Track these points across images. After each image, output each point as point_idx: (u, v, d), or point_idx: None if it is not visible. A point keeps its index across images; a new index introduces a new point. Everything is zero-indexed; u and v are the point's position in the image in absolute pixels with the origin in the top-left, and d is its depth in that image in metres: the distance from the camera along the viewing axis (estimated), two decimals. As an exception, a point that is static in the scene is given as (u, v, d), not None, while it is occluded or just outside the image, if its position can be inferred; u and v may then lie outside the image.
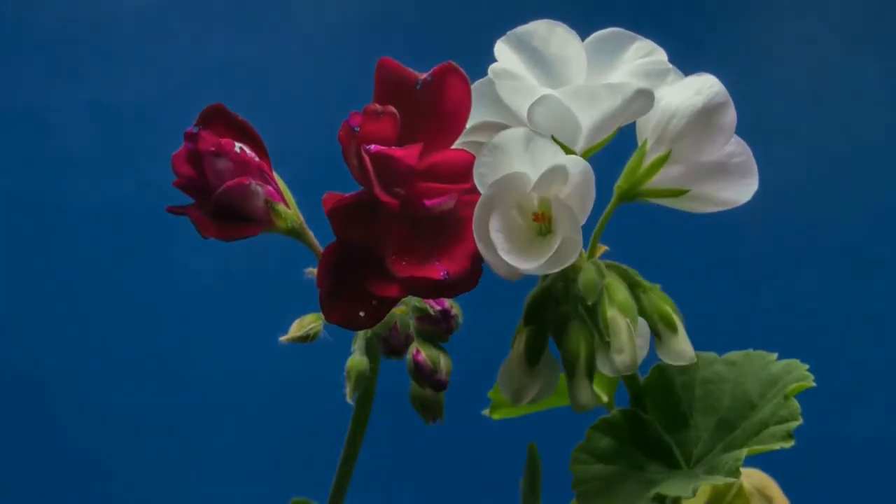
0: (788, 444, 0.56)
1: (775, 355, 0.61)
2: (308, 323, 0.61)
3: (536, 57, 0.55)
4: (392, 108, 0.55)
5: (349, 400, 0.62)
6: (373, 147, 0.54)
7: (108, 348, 1.35)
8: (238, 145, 0.58)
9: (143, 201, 1.25)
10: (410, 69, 0.57)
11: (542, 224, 0.53)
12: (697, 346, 0.64)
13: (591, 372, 0.56)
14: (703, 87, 0.55)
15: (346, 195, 0.55)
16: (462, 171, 0.55)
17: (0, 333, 1.36)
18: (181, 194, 0.58)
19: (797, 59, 1.35)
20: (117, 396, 1.34)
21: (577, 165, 0.52)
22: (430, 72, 0.57)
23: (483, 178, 0.53)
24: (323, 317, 0.60)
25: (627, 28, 0.57)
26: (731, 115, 0.56)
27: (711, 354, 0.63)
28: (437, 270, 0.54)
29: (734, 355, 0.63)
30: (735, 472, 0.55)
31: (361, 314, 0.55)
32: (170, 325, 1.35)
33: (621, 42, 0.56)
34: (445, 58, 0.57)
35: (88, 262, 1.36)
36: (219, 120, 0.58)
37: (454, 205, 0.55)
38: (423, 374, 0.61)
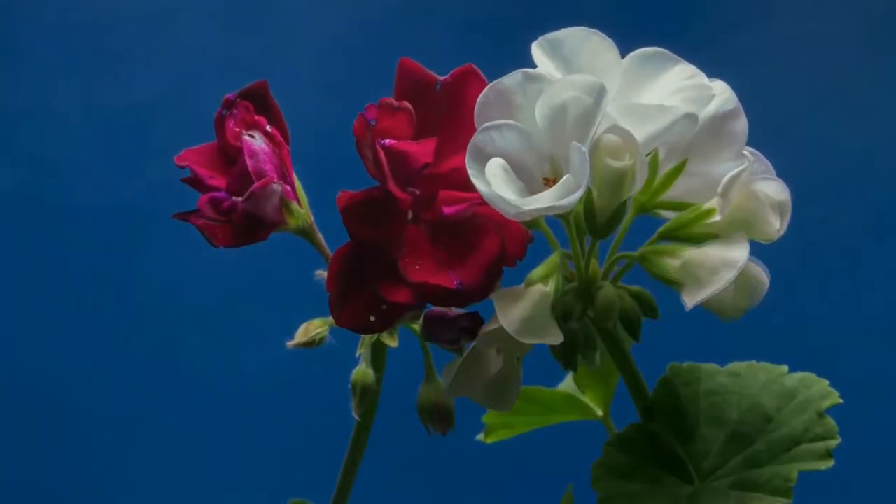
0: (829, 464, 0.56)
1: (785, 368, 0.61)
2: (314, 328, 0.60)
3: (567, 65, 0.54)
4: (407, 104, 0.55)
5: (355, 415, 0.62)
6: (387, 141, 0.54)
7: (110, 349, 1.35)
8: (268, 126, 0.58)
9: (146, 201, 1.26)
10: (430, 71, 0.57)
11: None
12: (699, 353, 0.64)
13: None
14: (717, 90, 0.55)
15: (360, 192, 0.54)
16: None
17: (3, 334, 1.35)
18: (180, 196, 0.58)
19: (799, 60, 1.36)
20: (120, 397, 1.34)
21: (573, 98, 0.51)
22: (449, 74, 0.57)
23: (486, 121, 0.52)
24: (330, 321, 0.61)
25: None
26: (742, 123, 0.55)
27: (713, 366, 0.63)
28: (451, 279, 0.53)
29: (737, 366, 0.62)
30: (787, 493, 0.55)
31: (372, 318, 0.54)
32: (172, 326, 1.35)
33: (663, 63, 0.55)
34: (454, 60, 0.57)
35: (91, 263, 1.36)
36: (254, 101, 0.58)
37: (472, 214, 0.55)
38: (435, 318, 0.59)
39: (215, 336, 1.35)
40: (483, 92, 0.53)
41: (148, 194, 1.27)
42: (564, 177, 0.50)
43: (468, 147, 0.52)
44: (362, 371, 0.61)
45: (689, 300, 0.52)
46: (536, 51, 0.55)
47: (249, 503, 1.28)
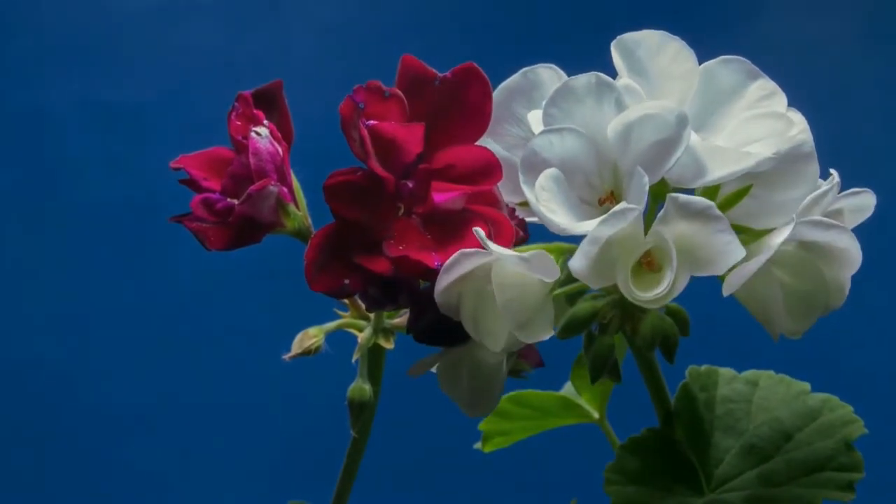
0: (850, 497, 0.55)
1: (807, 386, 0.60)
2: (310, 338, 0.61)
3: (639, 67, 0.53)
4: (399, 92, 0.55)
5: (354, 433, 0.61)
6: (371, 122, 0.54)
7: (107, 348, 1.35)
8: (266, 121, 0.57)
9: (147, 201, 1.26)
10: (431, 68, 0.57)
11: (609, 204, 0.51)
12: (698, 348, 0.62)
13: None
14: (795, 128, 0.53)
15: (343, 171, 0.54)
16: (479, 170, 0.55)
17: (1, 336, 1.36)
18: (181, 195, 0.57)
19: (799, 58, 1.36)
20: (117, 397, 1.34)
21: (655, 124, 0.50)
22: (450, 71, 0.56)
23: (552, 119, 0.51)
24: (325, 328, 0.61)
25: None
26: (814, 168, 0.53)
27: (730, 371, 0.62)
28: (432, 259, 0.53)
29: (755, 375, 0.62)
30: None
31: (346, 282, 0.54)
32: (172, 326, 1.36)
33: (746, 76, 0.54)
34: (456, 58, 0.57)
35: (89, 262, 1.37)
36: (265, 99, 0.58)
37: (464, 207, 0.54)
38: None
39: (215, 336, 1.35)
40: (555, 88, 0.52)
41: (148, 193, 1.27)
42: (619, 206, 0.49)
43: (524, 150, 0.51)
44: (359, 387, 0.61)
45: (727, 288, 0.51)
46: (613, 50, 0.54)
47: (250, 502, 1.29)
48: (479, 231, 0.51)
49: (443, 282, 0.52)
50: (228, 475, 1.34)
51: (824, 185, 0.53)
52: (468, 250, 0.51)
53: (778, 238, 0.50)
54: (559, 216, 0.50)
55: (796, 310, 0.52)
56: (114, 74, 1.38)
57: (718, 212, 0.49)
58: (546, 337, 0.53)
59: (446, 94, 0.56)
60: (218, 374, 1.35)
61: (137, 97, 1.37)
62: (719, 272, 0.50)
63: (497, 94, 0.56)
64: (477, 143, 0.56)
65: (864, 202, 0.55)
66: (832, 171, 0.54)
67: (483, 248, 0.51)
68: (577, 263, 0.49)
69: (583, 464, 0.62)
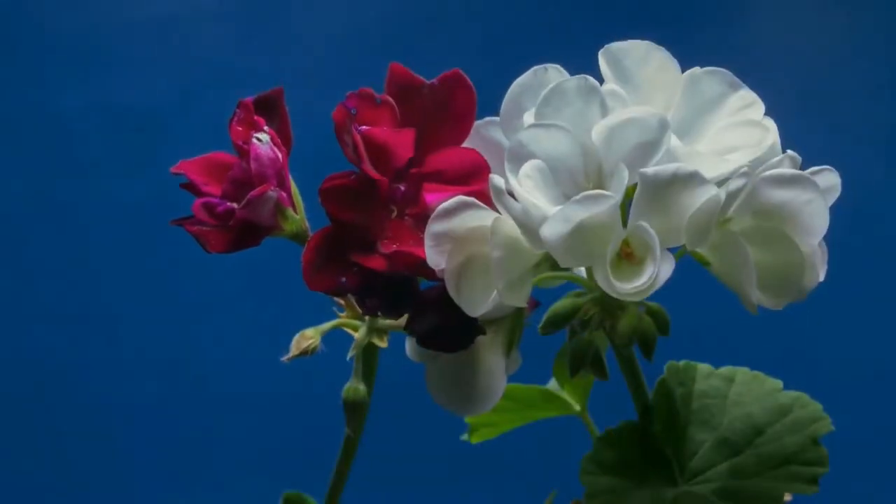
0: (814, 490, 0.57)
1: (780, 383, 0.62)
2: (307, 339, 0.62)
3: (626, 75, 0.55)
4: (390, 99, 0.57)
5: (349, 432, 0.63)
6: (364, 127, 0.55)
7: (115, 347, 1.37)
8: (266, 127, 0.58)
9: (156, 203, 1.27)
10: (418, 76, 0.58)
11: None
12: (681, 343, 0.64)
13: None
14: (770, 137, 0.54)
15: (338, 174, 0.56)
16: (469, 171, 0.57)
17: (13, 334, 1.38)
18: (189, 198, 0.58)
19: (794, 56, 1.37)
20: (123, 391, 1.37)
21: (640, 124, 0.51)
22: (436, 78, 0.58)
23: (543, 118, 0.52)
24: (321, 329, 0.63)
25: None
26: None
27: (707, 367, 0.63)
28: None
29: (732, 371, 0.63)
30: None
31: (343, 279, 0.55)
32: (174, 324, 1.38)
33: (727, 86, 0.55)
34: (450, 66, 0.58)
35: (99, 263, 1.38)
36: (266, 106, 0.59)
37: None
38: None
39: (218, 333, 1.37)
40: (548, 88, 0.53)
41: (162, 196, 1.28)
42: (595, 191, 0.50)
43: (511, 141, 0.52)
44: (353, 388, 0.62)
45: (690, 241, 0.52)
46: (600, 59, 0.55)
47: (246, 493, 1.29)
48: (496, 178, 0.51)
49: (437, 226, 0.53)
50: (226, 468, 1.36)
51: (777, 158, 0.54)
52: (468, 199, 0.53)
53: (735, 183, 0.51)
54: (541, 201, 0.50)
55: (769, 283, 0.52)
56: (128, 79, 1.39)
57: (689, 167, 0.49)
58: (522, 304, 0.54)
59: (434, 100, 0.58)
60: (219, 370, 1.36)
61: (151, 101, 1.38)
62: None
63: (510, 90, 0.57)
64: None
65: (829, 181, 0.55)
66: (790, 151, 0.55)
67: (495, 198, 0.52)
68: (548, 232, 0.49)
69: (565, 455, 0.63)
